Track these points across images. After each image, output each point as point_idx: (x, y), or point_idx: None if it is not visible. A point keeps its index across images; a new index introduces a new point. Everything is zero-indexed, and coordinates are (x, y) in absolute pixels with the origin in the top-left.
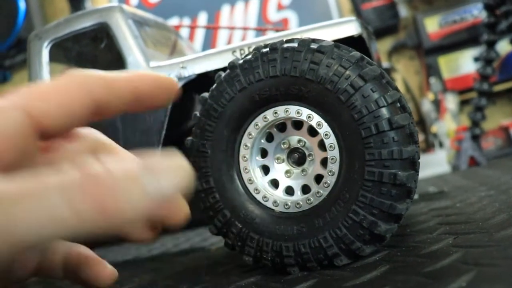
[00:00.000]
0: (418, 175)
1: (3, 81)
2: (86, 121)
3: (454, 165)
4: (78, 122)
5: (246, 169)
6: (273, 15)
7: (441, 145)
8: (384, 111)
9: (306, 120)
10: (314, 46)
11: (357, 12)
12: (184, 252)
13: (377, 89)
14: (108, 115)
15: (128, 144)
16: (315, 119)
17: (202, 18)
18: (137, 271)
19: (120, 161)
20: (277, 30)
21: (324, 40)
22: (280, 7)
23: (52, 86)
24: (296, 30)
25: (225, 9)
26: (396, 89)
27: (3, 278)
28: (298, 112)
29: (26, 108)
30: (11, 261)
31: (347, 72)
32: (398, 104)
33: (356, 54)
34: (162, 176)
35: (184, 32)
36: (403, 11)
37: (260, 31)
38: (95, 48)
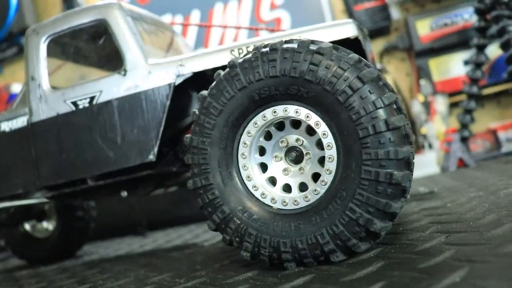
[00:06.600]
0: (412, 175)
1: None
2: None
3: (443, 166)
4: None
5: (245, 166)
6: (266, 14)
7: (430, 146)
8: (381, 112)
9: (305, 120)
10: (313, 47)
11: (349, 13)
12: (177, 248)
13: (374, 91)
14: None
15: (126, 140)
16: (314, 119)
17: (195, 16)
18: (131, 266)
19: None
20: (271, 30)
21: (323, 42)
22: (273, 6)
23: None
24: (294, 31)
25: (218, 8)
26: (392, 91)
27: None
28: (296, 112)
29: None
30: None
31: (346, 74)
32: (395, 106)
33: (354, 56)
34: None
35: (177, 29)
36: (395, 13)
37: (253, 30)
38: (93, 44)
